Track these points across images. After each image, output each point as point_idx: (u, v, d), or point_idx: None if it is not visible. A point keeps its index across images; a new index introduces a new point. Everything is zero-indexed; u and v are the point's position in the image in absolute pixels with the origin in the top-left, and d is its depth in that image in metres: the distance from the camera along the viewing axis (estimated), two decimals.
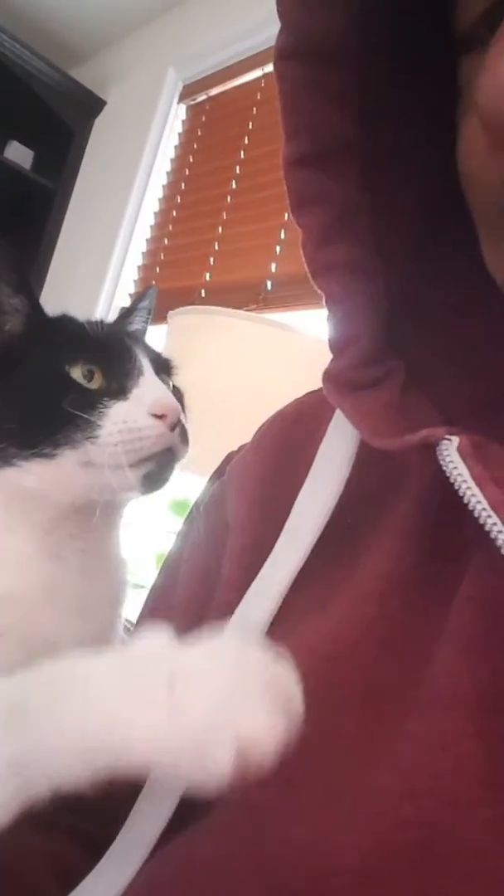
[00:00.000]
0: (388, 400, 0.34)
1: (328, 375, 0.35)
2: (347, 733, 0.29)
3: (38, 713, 0.25)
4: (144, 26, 2.55)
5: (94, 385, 0.47)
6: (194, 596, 0.42)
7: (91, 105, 2.66)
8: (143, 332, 0.60)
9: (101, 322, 0.54)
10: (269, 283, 1.78)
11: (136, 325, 0.60)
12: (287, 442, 0.43)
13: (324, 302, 0.36)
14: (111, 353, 0.50)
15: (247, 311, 1.57)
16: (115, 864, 0.32)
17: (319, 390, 0.44)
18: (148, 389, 0.48)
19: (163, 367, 0.54)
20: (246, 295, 1.80)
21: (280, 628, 0.34)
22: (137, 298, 0.61)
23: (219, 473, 0.48)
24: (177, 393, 0.52)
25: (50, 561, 0.47)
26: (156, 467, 0.46)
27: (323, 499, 0.35)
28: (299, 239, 0.36)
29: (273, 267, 1.79)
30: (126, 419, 0.46)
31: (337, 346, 0.35)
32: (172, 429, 0.46)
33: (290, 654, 0.32)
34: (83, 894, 0.32)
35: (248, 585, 0.36)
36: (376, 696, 0.29)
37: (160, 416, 0.46)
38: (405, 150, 0.37)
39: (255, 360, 1.15)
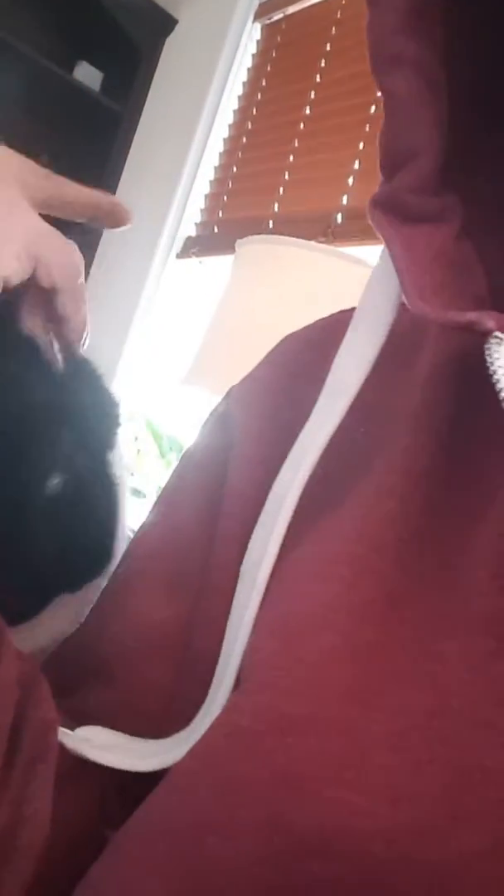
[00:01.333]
0: (440, 246, 0.31)
1: (377, 200, 0.31)
2: (375, 644, 0.28)
3: None
4: None
5: None
6: (198, 515, 0.41)
7: (162, 23, 2.58)
8: None
9: None
10: (339, 216, 1.73)
11: None
12: (300, 362, 0.41)
13: (382, 105, 0.31)
14: None
15: (315, 243, 1.53)
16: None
17: (333, 315, 0.43)
18: None
19: None
20: (315, 227, 1.75)
21: (301, 534, 0.33)
22: None
23: (223, 399, 0.46)
24: None
25: None
26: None
27: (340, 399, 0.33)
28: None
29: (345, 199, 1.73)
30: None
31: (392, 162, 0.31)
32: None
33: (312, 561, 0.31)
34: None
35: (259, 499, 0.35)
36: (404, 606, 0.28)
37: None
38: None
39: (324, 292, 1.13)
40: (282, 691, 0.28)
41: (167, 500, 0.45)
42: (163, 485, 0.46)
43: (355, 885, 0.24)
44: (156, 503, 0.45)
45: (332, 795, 0.25)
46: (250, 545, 0.34)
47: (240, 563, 0.35)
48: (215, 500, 0.40)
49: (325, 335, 0.41)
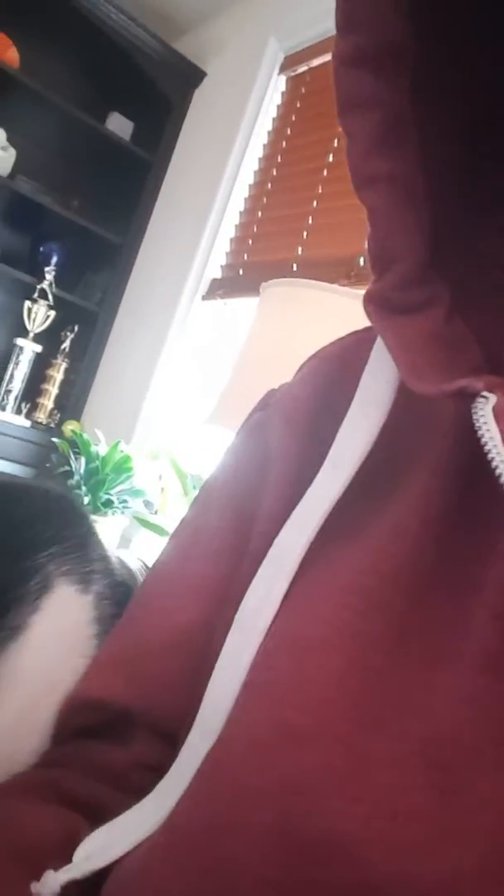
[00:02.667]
0: (430, 330, 0.34)
1: (370, 297, 0.34)
2: (379, 669, 0.29)
3: None
4: None
5: None
6: (224, 519, 0.43)
7: (191, 76, 2.67)
8: None
9: None
10: (361, 259, 1.76)
11: None
12: (330, 380, 0.43)
13: (366, 217, 0.34)
14: None
15: (338, 286, 1.56)
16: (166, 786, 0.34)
17: (362, 331, 0.44)
18: None
19: None
20: (338, 270, 1.79)
21: (316, 558, 0.35)
22: None
23: (259, 407, 0.48)
24: None
25: None
26: None
27: (364, 431, 0.35)
28: None
29: (367, 243, 1.76)
30: None
31: (379, 265, 0.34)
32: None
33: (325, 586, 0.33)
34: (131, 818, 0.34)
35: (287, 518, 0.37)
36: (408, 638, 0.30)
37: None
38: (458, 60, 0.35)
39: (346, 333, 1.15)
40: (292, 707, 0.30)
41: (200, 504, 0.47)
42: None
43: (354, 892, 0.26)
44: (191, 506, 0.47)
45: (335, 805, 0.27)
46: (264, 564, 0.36)
47: None
48: (245, 507, 0.42)
49: (354, 352, 0.43)
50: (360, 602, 0.31)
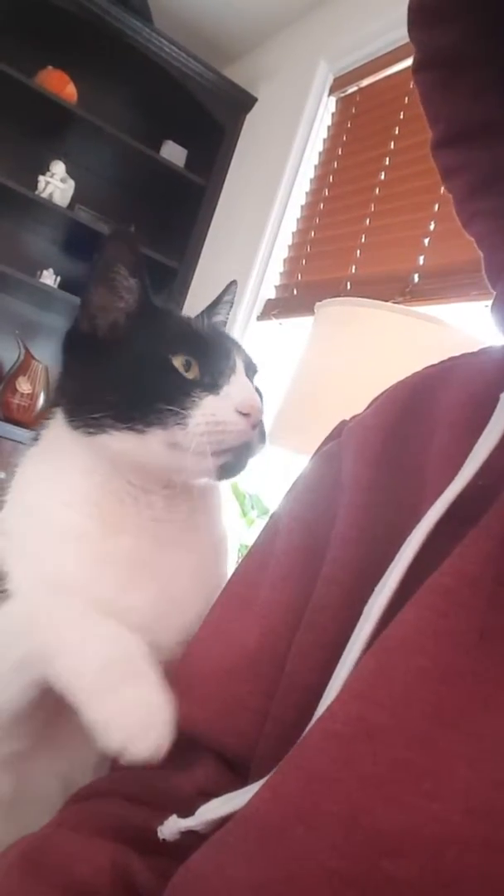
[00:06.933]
0: None
1: (494, 306, 0.40)
2: (461, 670, 0.30)
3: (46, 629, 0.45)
4: (296, 21, 2.57)
5: (191, 375, 0.52)
6: (294, 543, 0.45)
7: (243, 102, 2.72)
8: (225, 323, 0.65)
9: (205, 319, 0.60)
10: (416, 276, 1.75)
11: (220, 317, 0.64)
12: (408, 410, 0.44)
13: (476, 244, 0.41)
14: (211, 349, 0.54)
15: (393, 303, 1.56)
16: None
17: (440, 363, 0.46)
18: (238, 388, 0.53)
19: (251, 369, 0.58)
20: (392, 287, 1.78)
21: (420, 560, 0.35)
22: (222, 292, 0.65)
23: (333, 437, 0.49)
24: (258, 393, 0.56)
25: (126, 530, 0.52)
26: (232, 459, 0.51)
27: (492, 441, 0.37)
28: (449, 230, 0.42)
29: (421, 259, 1.76)
30: (214, 412, 0.50)
31: (492, 279, 0.40)
32: (254, 427, 0.51)
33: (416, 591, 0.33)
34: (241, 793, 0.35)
35: (365, 543, 0.38)
36: (491, 639, 0.30)
37: (245, 414, 0.50)
38: None
39: (402, 352, 1.15)
40: (373, 703, 0.30)
41: (269, 531, 0.48)
42: (246, 543, 0.49)
43: (425, 887, 0.26)
44: (261, 532, 0.49)
45: (410, 801, 0.27)
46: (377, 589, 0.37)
47: (341, 606, 0.38)
48: (316, 533, 0.43)
49: (432, 383, 0.44)
50: (441, 602, 0.32)
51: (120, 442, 0.51)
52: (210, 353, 0.54)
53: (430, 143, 0.42)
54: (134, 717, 0.41)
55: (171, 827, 0.36)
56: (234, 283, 0.66)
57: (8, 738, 0.49)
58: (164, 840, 0.37)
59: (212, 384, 0.52)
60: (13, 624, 0.47)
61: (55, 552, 0.50)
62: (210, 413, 0.50)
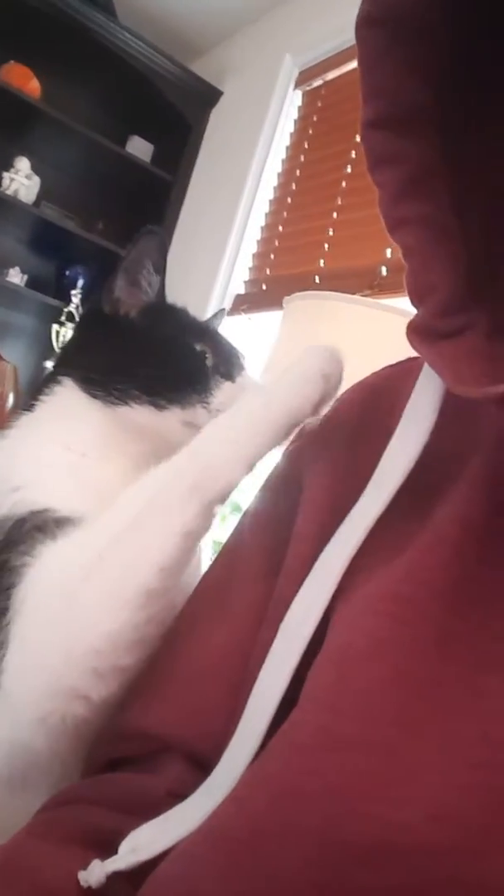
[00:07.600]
0: (472, 346, 0.35)
1: (412, 327, 0.36)
2: (422, 676, 0.30)
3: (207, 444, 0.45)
4: (262, 15, 2.57)
5: (210, 364, 0.60)
6: (260, 544, 0.45)
7: (209, 96, 2.71)
8: None
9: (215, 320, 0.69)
10: (383, 269, 1.77)
11: None
12: (368, 410, 0.44)
13: (401, 255, 0.36)
14: (223, 344, 0.63)
15: (361, 296, 1.57)
16: (208, 790, 0.34)
17: (399, 363, 0.46)
18: (251, 381, 0.61)
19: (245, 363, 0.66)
20: (361, 280, 1.79)
21: (359, 572, 0.35)
22: (211, 318, 0.74)
23: (298, 436, 0.50)
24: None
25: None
26: None
27: (406, 453, 0.36)
28: None
29: (388, 252, 1.77)
30: (234, 397, 0.55)
31: (416, 298, 0.36)
32: None
33: (366, 597, 0.33)
34: (176, 815, 0.34)
35: (322, 539, 0.38)
36: (451, 644, 0.30)
37: None
38: (488, 120, 0.36)
39: (371, 344, 1.15)
40: (336, 713, 0.30)
41: (237, 532, 0.48)
42: (219, 541, 0.49)
43: (402, 894, 0.26)
44: (230, 534, 0.49)
45: (378, 811, 0.27)
46: (305, 585, 0.37)
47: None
48: (280, 533, 0.43)
49: (391, 383, 0.44)
50: (399, 610, 0.32)
51: (139, 414, 0.56)
52: (223, 348, 0.61)
53: (360, 120, 0.36)
54: None
55: (97, 873, 0.34)
56: (222, 310, 0.76)
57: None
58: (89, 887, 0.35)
59: (227, 374, 0.60)
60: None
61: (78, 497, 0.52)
62: (230, 396, 0.56)
